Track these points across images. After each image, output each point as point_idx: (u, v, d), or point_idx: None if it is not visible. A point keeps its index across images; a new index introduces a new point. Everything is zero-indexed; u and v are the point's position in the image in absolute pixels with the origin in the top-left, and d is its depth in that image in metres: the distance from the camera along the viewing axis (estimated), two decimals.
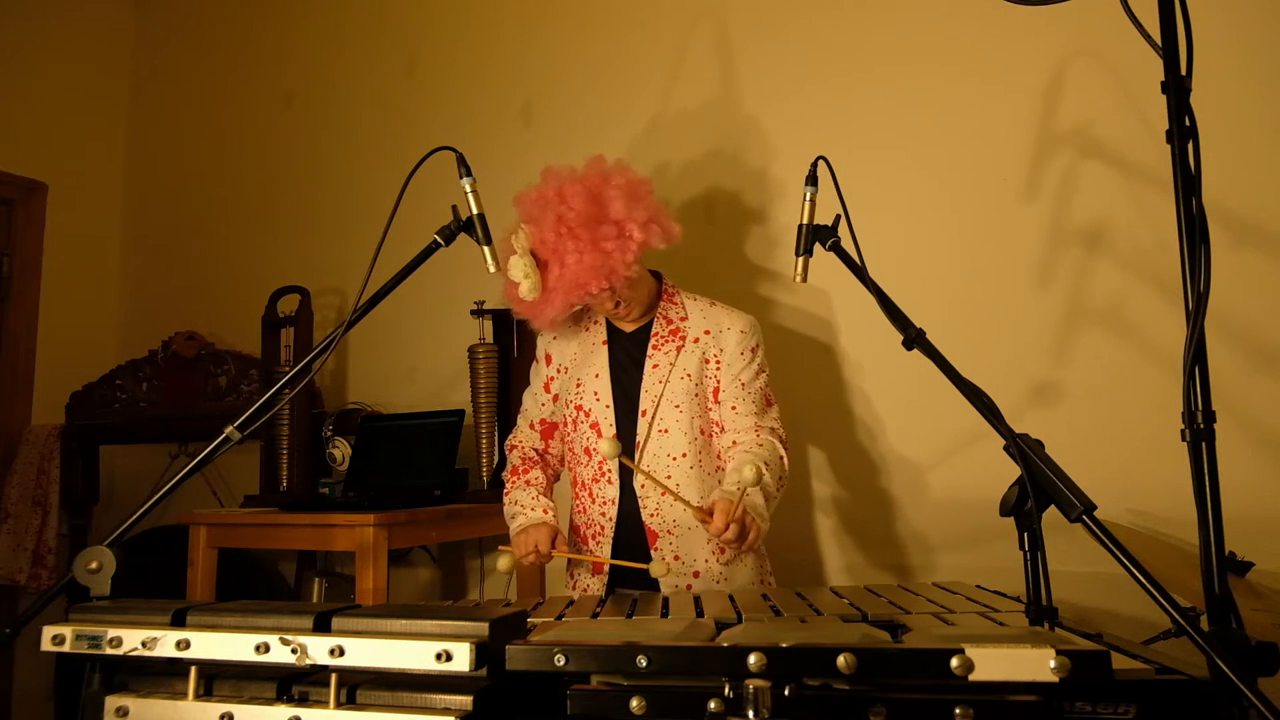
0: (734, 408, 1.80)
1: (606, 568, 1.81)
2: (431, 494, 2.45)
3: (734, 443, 1.78)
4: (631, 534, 1.79)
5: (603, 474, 1.82)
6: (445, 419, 2.63)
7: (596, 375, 1.85)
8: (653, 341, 1.83)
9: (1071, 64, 2.12)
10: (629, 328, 1.88)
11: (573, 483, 1.91)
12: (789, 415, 1.94)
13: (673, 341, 1.83)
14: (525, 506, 1.84)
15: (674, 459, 1.78)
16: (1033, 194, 2.14)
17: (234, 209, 3.42)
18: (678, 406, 1.79)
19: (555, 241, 1.68)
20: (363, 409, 2.93)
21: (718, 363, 1.82)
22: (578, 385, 1.87)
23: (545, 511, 1.82)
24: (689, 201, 2.53)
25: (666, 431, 1.79)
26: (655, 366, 1.81)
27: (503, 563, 1.70)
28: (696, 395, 1.80)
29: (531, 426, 1.99)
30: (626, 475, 1.80)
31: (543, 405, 1.96)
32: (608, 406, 1.82)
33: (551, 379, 1.94)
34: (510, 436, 2.02)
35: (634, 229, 1.71)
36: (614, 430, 1.81)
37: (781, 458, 1.76)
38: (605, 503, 1.81)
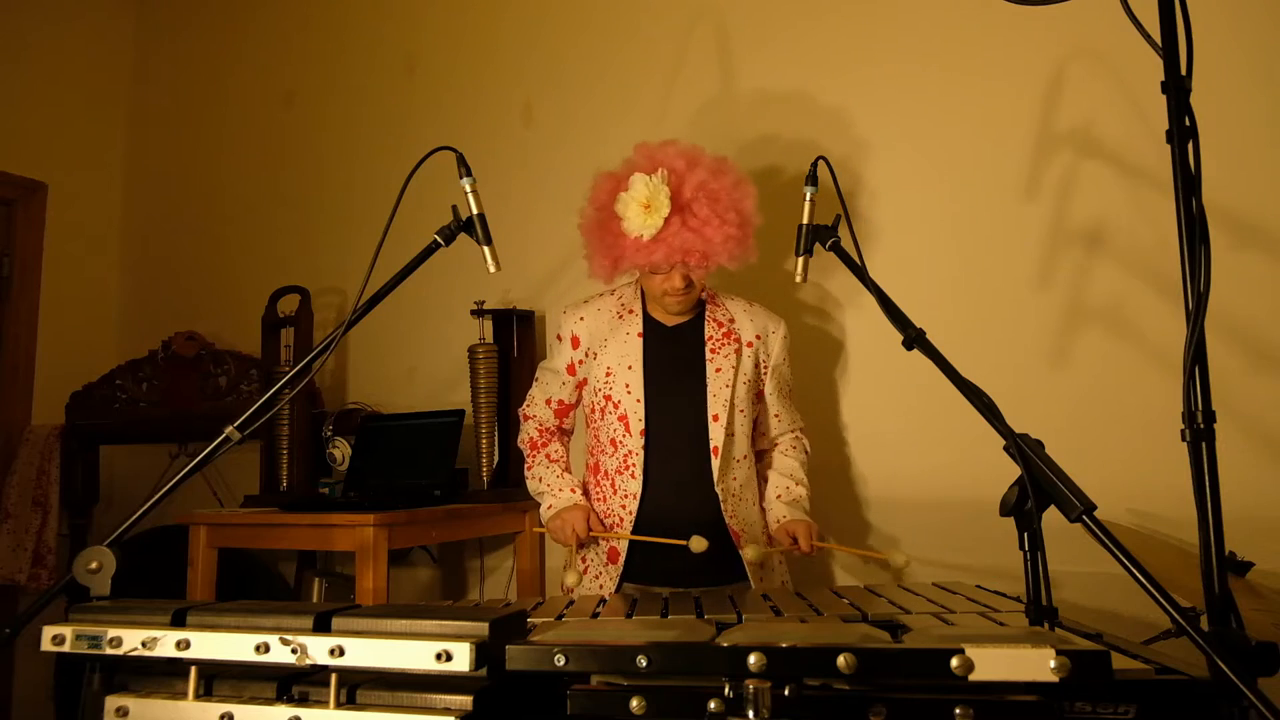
0: (777, 415, 1.95)
1: (622, 558, 1.81)
2: (431, 494, 2.45)
3: (774, 444, 1.99)
4: (651, 529, 1.79)
5: (627, 467, 1.81)
6: (445, 419, 2.63)
7: (629, 367, 1.84)
8: (709, 345, 1.85)
9: (1071, 64, 2.12)
10: (670, 321, 1.88)
11: (593, 469, 1.90)
12: None
13: (729, 344, 1.85)
14: (552, 487, 1.89)
15: (737, 461, 1.83)
16: (1033, 194, 2.14)
17: (234, 209, 3.42)
18: (742, 411, 1.85)
19: (691, 199, 1.70)
20: (363, 409, 2.93)
21: (765, 366, 1.90)
22: (607, 374, 1.85)
23: (573, 491, 1.87)
24: None
25: (733, 435, 1.83)
26: (719, 371, 1.83)
27: (570, 579, 1.76)
28: (755, 399, 1.90)
29: (548, 403, 1.98)
30: (653, 470, 1.81)
31: (563, 385, 1.95)
32: (639, 401, 1.81)
33: (579, 362, 1.92)
34: (525, 405, 2.03)
35: (748, 235, 1.75)
36: (643, 425, 1.81)
37: (807, 451, 1.99)
38: (627, 496, 1.81)
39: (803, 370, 2.33)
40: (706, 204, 1.69)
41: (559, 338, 1.95)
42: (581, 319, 1.92)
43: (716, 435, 1.80)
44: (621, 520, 1.81)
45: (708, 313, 1.88)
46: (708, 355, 1.84)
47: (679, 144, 1.78)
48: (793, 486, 1.92)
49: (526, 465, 1.97)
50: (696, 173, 1.71)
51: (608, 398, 1.84)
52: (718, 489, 1.80)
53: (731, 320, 1.88)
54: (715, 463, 1.79)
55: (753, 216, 1.76)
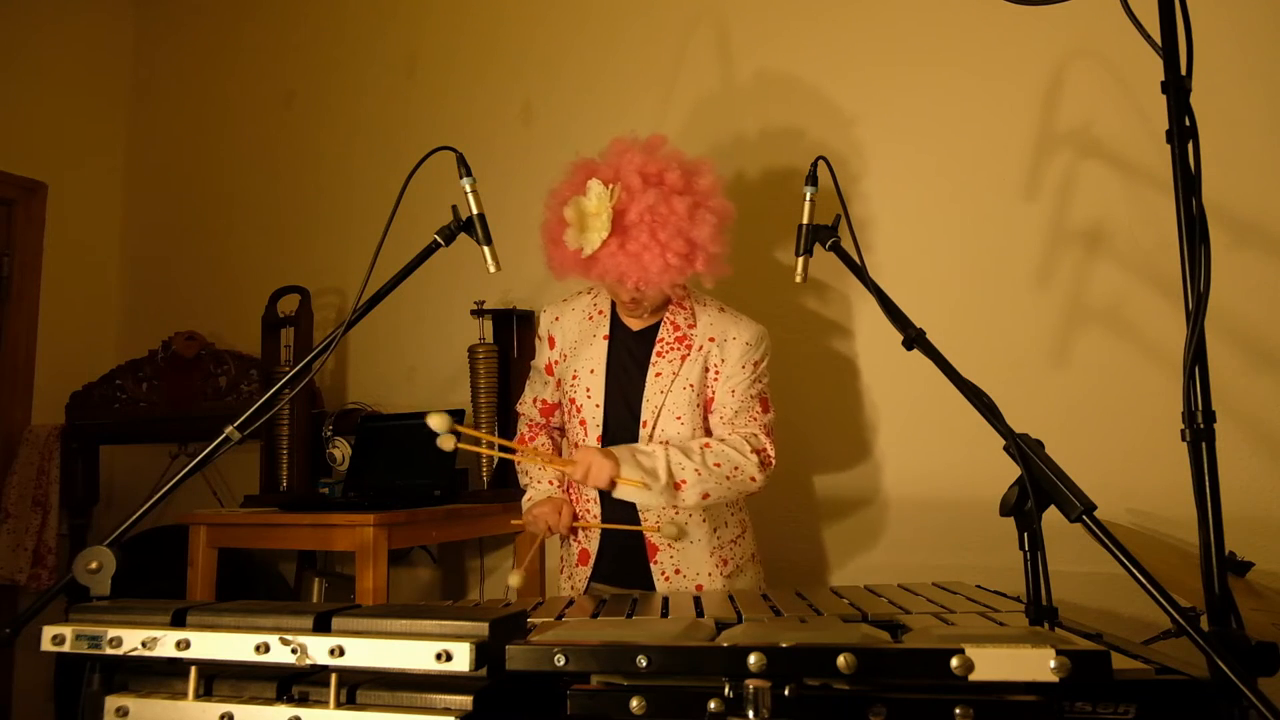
0: (720, 415, 1.79)
1: (592, 559, 1.81)
2: (431, 494, 2.45)
3: (706, 445, 1.73)
4: (615, 536, 1.79)
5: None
6: None
7: (592, 371, 1.82)
8: (657, 348, 1.79)
9: (1071, 64, 2.12)
10: (635, 325, 1.85)
11: None
12: (791, 413, 1.94)
13: (678, 350, 1.79)
14: (535, 477, 1.91)
15: None
16: (1033, 194, 2.14)
17: (234, 209, 3.42)
18: (679, 418, 1.75)
19: (635, 221, 1.61)
20: (363, 409, 2.93)
21: (717, 372, 1.78)
22: (574, 377, 1.84)
23: (552, 483, 1.88)
24: None
25: (668, 444, 1.74)
26: (658, 375, 1.77)
27: (514, 580, 1.73)
28: (698, 406, 1.77)
29: (535, 402, 1.98)
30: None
31: (545, 384, 1.94)
32: (597, 406, 1.80)
33: (555, 363, 1.91)
34: (519, 402, 2.04)
35: (701, 258, 1.66)
36: (600, 431, 1.78)
37: (743, 455, 1.70)
38: (588, 500, 1.82)
39: (804, 370, 2.34)
40: (648, 231, 1.60)
41: (539, 337, 1.95)
42: (557, 319, 1.90)
43: (643, 442, 1.74)
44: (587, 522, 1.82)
45: (666, 316, 1.82)
46: (652, 359, 1.78)
47: (650, 154, 1.67)
48: (685, 452, 1.68)
49: (517, 460, 1.99)
50: (647, 195, 1.62)
51: (572, 400, 1.83)
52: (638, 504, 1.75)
53: (691, 325, 1.80)
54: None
55: (709, 242, 1.65)
